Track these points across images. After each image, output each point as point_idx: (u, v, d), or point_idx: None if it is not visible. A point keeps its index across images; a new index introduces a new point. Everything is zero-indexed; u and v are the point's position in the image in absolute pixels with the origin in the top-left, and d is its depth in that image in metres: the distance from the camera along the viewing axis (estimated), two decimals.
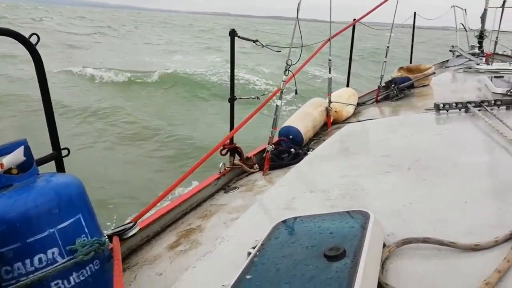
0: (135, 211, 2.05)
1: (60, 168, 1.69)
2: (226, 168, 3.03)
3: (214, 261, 1.21)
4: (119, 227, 1.61)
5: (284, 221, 1.21)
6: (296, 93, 3.42)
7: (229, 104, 3.03)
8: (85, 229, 1.36)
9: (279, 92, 3.03)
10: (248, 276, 0.94)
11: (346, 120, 4.41)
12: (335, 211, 1.18)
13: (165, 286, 1.29)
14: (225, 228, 2.11)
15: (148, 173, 6.28)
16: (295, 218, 1.21)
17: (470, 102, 2.38)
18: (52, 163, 1.65)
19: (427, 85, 5.61)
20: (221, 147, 3.04)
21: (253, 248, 1.10)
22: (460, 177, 1.43)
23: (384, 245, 1.02)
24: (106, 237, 1.47)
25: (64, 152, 1.72)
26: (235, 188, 2.87)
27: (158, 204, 2.30)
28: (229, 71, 3.03)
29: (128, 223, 1.68)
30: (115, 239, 1.47)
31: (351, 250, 0.91)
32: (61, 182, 1.38)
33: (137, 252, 2.17)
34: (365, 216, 1.06)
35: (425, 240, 1.00)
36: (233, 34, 2.87)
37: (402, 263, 0.97)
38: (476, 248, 0.96)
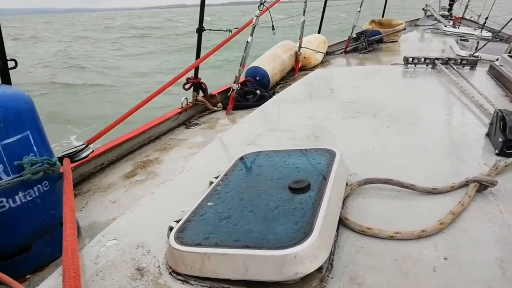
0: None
1: (6, 80, 1.53)
2: (189, 104, 2.93)
3: (173, 189, 1.17)
4: (70, 149, 1.51)
5: (248, 154, 1.18)
6: (273, 29, 3.28)
7: (197, 34, 2.86)
8: (34, 147, 1.25)
9: (251, 28, 2.89)
10: (210, 203, 0.92)
11: (314, 67, 4.37)
12: (302, 148, 1.17)
13: (119, 213, 1.25)
14: (185, 162, 2.08)
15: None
16: (260, 152, 1.19)
17: (437, 59, 2.41)
18: None
19: (396, 41, 5.64)
20: (185, 81, 2.91)
21: (216, 178, 1.07)
22: (423, 127, 1.46)
23: (347, 184, 1.03)
24: (57, 158, 1.37)
25: (11, 64, 1.55)
26: (196, 124, 2.81)
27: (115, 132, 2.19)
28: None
29: (81, 145, 1.58)
30: (66, 161, 1.38)
31: (316, 184, 0.90)
32: (6, 94, 1.24)
33: (90, 180, 2.10)
34: (331, 154, 1.05)
35: (387, 181, 1.02)
36: None
37: (363, 201, 0.99)
38: (433, 192, 0.99)
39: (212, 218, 0.85)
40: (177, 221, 0.86)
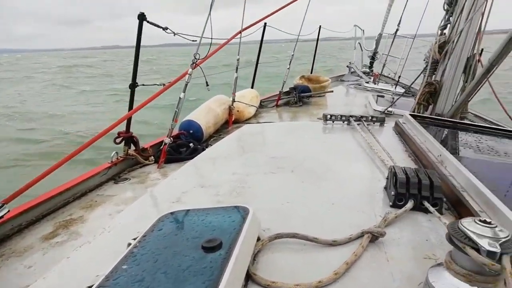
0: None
1: None
2: (119, 158, 2.90)
3: (91, 252, 1.17)
4: None
5: (169, 214, 1.23)
6: (207, 85, 3.43)
7: (130, 90, 2.91)
8: None
9: (184, 84, 3.01)
10: (124, 266, 0.94)
11: (247, 121, 4.57)
12: (220, 206, 1.24)
13: (34, 280, 1.19)
14: (110, 220, 2.04)
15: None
16: (180, 211, 1.24)
17: (351, 116, 2.69)
18: None
19: (323, 96, 6.13)
20: (116, 135, 2.90)
21: (134, 239, 1.09)
22: (333, 181, 1.62)
23: (259, 239, 1.12)
24: None
25: None
26: (126, 179, 2.77)
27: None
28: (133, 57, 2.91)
29: None
30: None
31: (227, 242, 0.97)
32: None
33: (5, 243, 1.96)
34: (245, 212, 1.14)
35: (294, 236, 1.12)
36: (142, 17, 2.77)
37: (272, 255, 1.07)
38: (333, 244, 1.10)
39: (125, 282, 0.87)
40: (90, 287, 0.87)
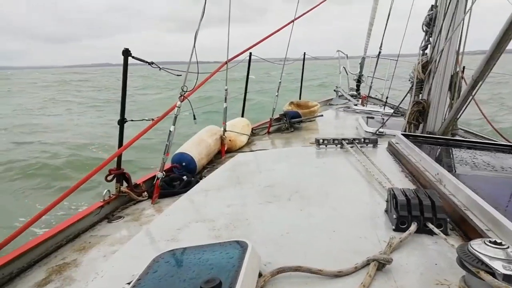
0: None
1: None
2: (111, 196, 2.83)
3: None
4: None
5: (164, 254, 1.18)
6: (194, 118, 3.43)
7: (119, 126, 2.88)
8: None
9: (174, 117, 2.99)
10: None
11: (239, 149, 4.55)
12: (217, 242, 1.19)
13: None
14: (104, 262, 1.96)
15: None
16: (175, 250, 1.18)
17: (344, 139, 2.69)
18: None
19: (314, 120, 6.17)
20: (107, 173, 2.85)
21: (128, 284, 1.04)
22: (330, 207, 1.59)
23: (260, 275, 1.06)
24: None
25: None
26: (120, 217, 2.69)
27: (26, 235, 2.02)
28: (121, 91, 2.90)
29: None
30: None
31: (227, 281, 0.92)
32: None
33: None
34: (243, 247, 1.09)
35: (297, 269, 1.08)
36: (126, 53, 2.78)
37: None
38: (339, 275, 1.06)
39: None
40: None
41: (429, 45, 3.73)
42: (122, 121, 2.89)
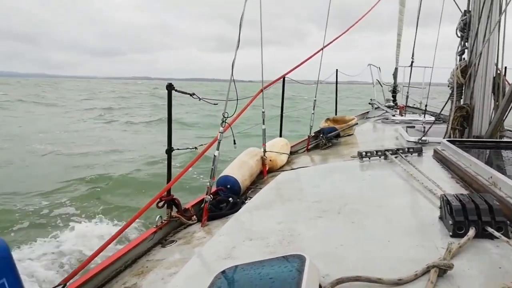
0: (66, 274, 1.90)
1: None
2: (163, 221, 2.95)
3: None
4: None
5: (224, 271, 1.23)
6: (234, 143, 3.54)
7: (166, 155, 3.03)
8: None
9: (217, 142, 3.11)
10: None
11: (280, 168, 4.59)
12: (274, 257, 1.23)
13: None
14: (163, 285, 2.04)
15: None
16: (235, 267, 1.24)
17: (388, 150, 2.67)
18: None
19: (352, 134, 6.11)
20: (158, 200, 2.98)
21: None
22: (383, 218, 1.59)
23: (320, 286, 1.09)
24: None
25: None
26: (172, 241, 2.80)
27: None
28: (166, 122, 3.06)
29: (57, 285, 1.55)
30: None
31: None
32: None
33: None
34: (301, 260, 1.12)
35: (356, 279, 1.09)
36: (170, 88, 2.95)
37: None
38: (399, 283, 1.06)
39: None
40: None
41: (466, 50, 3.66)
42: (169, 150, 3.04)
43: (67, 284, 1.62)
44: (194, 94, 3.18)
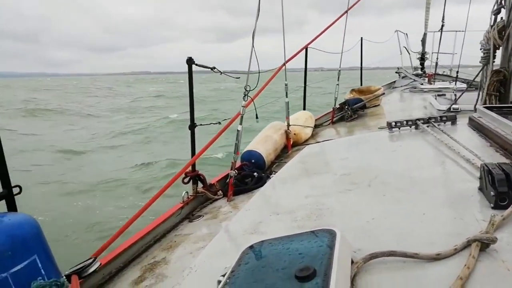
0: (96, 248, 1.94)
1: (12, 207, 1.58)
2: (190, 197, 2.98)
3: None
4: (78, 264, 1.51)
5: (252, 246, 1.20)
6: (256, 117, 3.49)
7: (190, 131, 3.01)
8: (42, 270, 1.27)
9: (240, 117, 3.06)
10: None
11: (305, 142, 4.52)
12: (302, 232, 1.19)
13: None
14: (192, 259, 2.06)
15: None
16: (263, 242, 1.20)
17: (419, 119, 2.53)
18: (3, 202, 1.54)
19: (378, 105, 5.92)
20: (183, 175, 2.99)
21: (223, 276, 1.08)
22: (417, 190, 1.51)
23: (352, 262, 1.04)
24: (64, 277, 1.37)
25: (15, 190, 1.62)
26: (199, 216, 2.82)
27: (120, 238, 2.20)
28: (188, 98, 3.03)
29: (88, 259, 1.59)
30: (74, 279, 1.38)
31: (321, 269, 0.92)
32: (13, 222, 1.29)
33: None
34: (332, 234, 1.08)
35: (391, 254, 1.04)
36: (190, 62, 2.89)
37: (370, 278, 0.99)
38: (437, 258, 1.00)
39: None
40: None
41: (503, 9, 3.39)
42: (192, 126, 3.02)
43: (97, 258, 1.65)
44: (214, 68, 3.12)
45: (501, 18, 3.39)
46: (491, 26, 3.40)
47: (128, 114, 21.43)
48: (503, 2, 3.38)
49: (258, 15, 3.01)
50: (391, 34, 9.49)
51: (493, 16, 3.50)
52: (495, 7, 3.45)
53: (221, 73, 3.30)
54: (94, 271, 1.51)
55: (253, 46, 3.09)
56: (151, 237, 2.52)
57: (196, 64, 2.95)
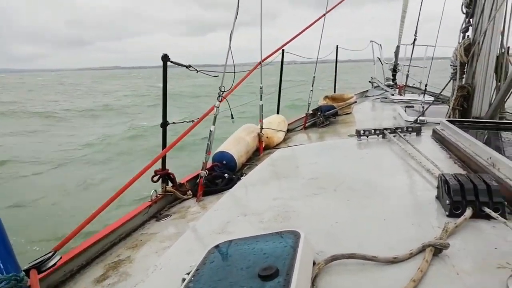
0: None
1: None
2: (158, 195, 2.94)
3: None
4: (37, 259, 1.47)
5: (218, 245, 1.21)
6: (232, 117, 3.49)
7: (161, 129, 2.98)
8: (0, 264, 1.23)
9: (213, 117, 3.06)
10: None
11: (277, 146, 4.56)
12: (268, 233, 1.22)
13: None
14: (157, 258, 2.04)
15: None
16: (229, 242, 1.22)
17: (386, 129, 2.63)
18: None
19: (350, 113, 6.06)
20: (153, 174, 2.96)
21: (188, 274, 1.08)
22: (380, 196, 1.57)
23: (314, 263, 1.08)
24: (23, 273, 1.33)
25: None
26: (167, 215, 2.79)
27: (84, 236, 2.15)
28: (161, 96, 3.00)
29: (47, 253, 1.54)
30: (33, 273, 1.34)
31: (284, 269, 0.94)
32: None
33: None
34: (296, 236, 1.11)
35: (351, 256, 1.08)
36: (165, 58, 2.87)
37: (330, 279, 1.03)
38: (394, 261, 1.05)
39: None
40: None
41: (470, 27, 3.58)
42: (164, 124, 2.99)
43: (57, 252, 1.60)
44: (190, 66, 3.10)
45: (467, 36, 3.58)
46: (459, 43, 3.58)
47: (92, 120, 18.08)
48: (471, 20, 3.57)
49: (236, 15, 3.03)
50: (368, 44, 9.77)
51: (461, 34, 3.69)
52: (464, 26, 3.63)
53: (198, 71, 3.29)
54: (54, 265, 1.47)
55: (230, 47, 3.10)
56: (116, 235, 2.47)
57: (172, 62, 2.93)
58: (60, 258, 1.62)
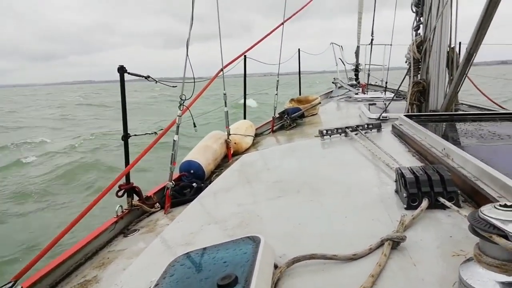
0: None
1: None
2: (124, 210, 2.85)
3: None
4: None
5: (179, 257, 1.19)
6: (194, 126, 3.45)
7: (123, 142, 2.90)
8: None
9: (176, 127, 3.01)
10: None
11: (246, 151, 4.55)
12: (229, 240, 1.20)
13: None
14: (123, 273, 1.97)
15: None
16: (189, 253, 1.19)
17: (348, 127, 2.68)
18: None
19: (316, 114, 6.15)
20: (117, 189, 2.87)
21: None
22: (341, 194, 1.59)
23: (276, 267, 1.07)
24: None
25: None
26: (135, 230, 2.71)
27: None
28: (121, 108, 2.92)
29: (7, 283, 1.45)
30: None
31: (243, 276, 0.93)
32: None
33: None
34: (256, 241, 1.10)
35: (312, 257, 1.08)
36: (122, 70, 2.80)
37: (292, 281, 1.02)
38: (354, 258, 1.06)
39: None
40: None
41: (421, 25, 3.72)
42: (125, 136, 2.91)
43: (18, 281, 1.52)
44: (149, 76, 3.04)
45: (419, 33, 3.72)
46: (412, 41, 3.72)
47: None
48: (421, 19, 3.72)
49: (191, 24, 3.00)
50: (328, 46, 9.99)
51: (413, 32, 3.83)
52: (415, 24, 3.77)
53: (156, 81, 3.23)
54: None
55: (187, 55, 3.06)
56: (81, 255, 2.37)
57: (129, 73, 2.86)
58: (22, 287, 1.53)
